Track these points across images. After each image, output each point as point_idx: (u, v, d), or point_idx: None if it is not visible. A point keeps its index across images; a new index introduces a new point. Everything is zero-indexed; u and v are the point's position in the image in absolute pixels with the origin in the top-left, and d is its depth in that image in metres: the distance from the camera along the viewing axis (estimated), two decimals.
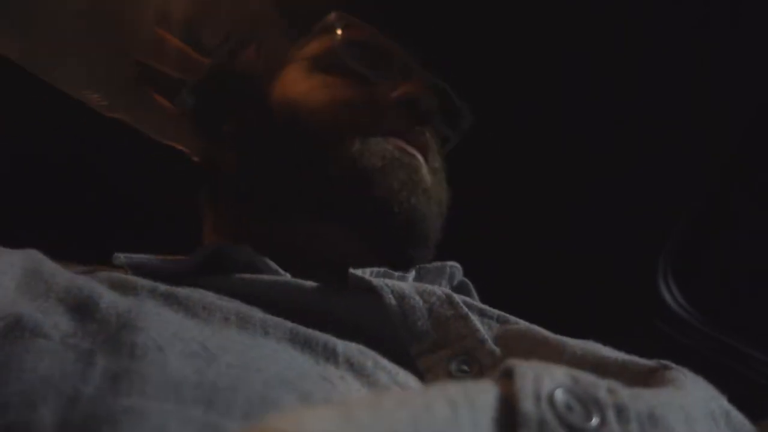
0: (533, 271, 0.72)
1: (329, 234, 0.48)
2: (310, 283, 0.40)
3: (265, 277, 0.41)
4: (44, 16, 0.41)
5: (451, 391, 0.21)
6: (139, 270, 0.42)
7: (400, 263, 0.48)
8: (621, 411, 0.22)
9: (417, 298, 0.36)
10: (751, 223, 0.68)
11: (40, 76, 0.43)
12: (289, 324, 0.33)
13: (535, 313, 0.41)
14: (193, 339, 0.29)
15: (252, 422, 0.24)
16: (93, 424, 0.23)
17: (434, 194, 0.51)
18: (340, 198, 0.48)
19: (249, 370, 0.27)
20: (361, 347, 0.33)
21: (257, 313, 0.34)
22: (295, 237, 0.48)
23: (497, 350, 0.33)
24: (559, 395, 0.22)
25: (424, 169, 0.50)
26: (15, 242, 0.39)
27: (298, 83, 0.52)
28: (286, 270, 0.43)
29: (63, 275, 0.34)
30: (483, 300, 0.44)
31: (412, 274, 0.49)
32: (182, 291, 0.36)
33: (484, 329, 0.35)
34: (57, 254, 0.40)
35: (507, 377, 0.23)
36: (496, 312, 0.37)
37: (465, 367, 0.32)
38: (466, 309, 0.36)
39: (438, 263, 0.52)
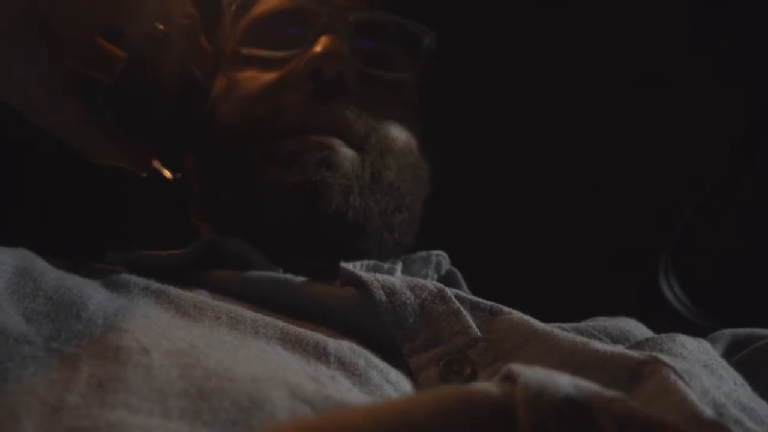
0: (535, 267, 0.72)
1: (280, 248, 0.46)
2: (300, 279, 0.40)
3: (255, 273, 0.41)
4: None
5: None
6: (133, 267, 0.42)
7: (349, 256, 0.43)
8: (623, 425, 0.22)
9: (408, 293, 0.36)
10: (752, 221, 0.68)
11: None
12: (280, 323, 0.33)
13: (536, 310, 0.41)
14: (182, 339, 0.29)
15: (240, 428, 0.24)
16: None
17: (364, 177, 0.46)
18: (260, 217, 0.45)
19: (237, 368, 0.27)
20: (353, 345, 0.32)
21: (248, 313, 0.34)
22: (264, 242, 0.46)
23: (490, 348, 0.33)
24: (562, 405, 0.22)
25: (339, 154, 0.45)
26: (11, 240, 0.39)
27: (217, 85, 0.50)
28: (280, 263, 0.43)
29: (52, 274, 0.34)
30: (483, 293, 0.43)
31: (399, 265, 0.47)
32: (174, 289, 0.36)
33: (477, 323, 0.34)
34: (52, 251, 0.40)
35: (508, 381, 0.23)
36: (489, 304, 0.36)
37: (457, 368, 0.32)
38: (458, 304, 0.35)
39: (423, 252, 0.51)
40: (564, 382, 0.22)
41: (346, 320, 0.36)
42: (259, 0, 0.51)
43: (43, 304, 0.31)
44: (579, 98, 0.66)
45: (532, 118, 0.69)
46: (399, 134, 0.50)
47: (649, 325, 0.47)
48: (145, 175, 0.48)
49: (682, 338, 0.34)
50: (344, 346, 0.32)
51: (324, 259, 0.44)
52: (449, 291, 0.36)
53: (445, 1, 0.62)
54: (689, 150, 0.66)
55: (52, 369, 0.26)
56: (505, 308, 0.36)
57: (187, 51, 0.47)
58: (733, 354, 0.40)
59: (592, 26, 0.63)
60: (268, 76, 0.48)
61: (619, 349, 0.30)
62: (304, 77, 0.46)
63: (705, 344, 0.35)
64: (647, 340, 0.34)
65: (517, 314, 0.35)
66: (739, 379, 0.32)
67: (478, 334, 0.33)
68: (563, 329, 0.34)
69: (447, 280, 0.52)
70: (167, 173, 0.48)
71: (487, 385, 0.22)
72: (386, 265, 0.46)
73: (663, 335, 0.35)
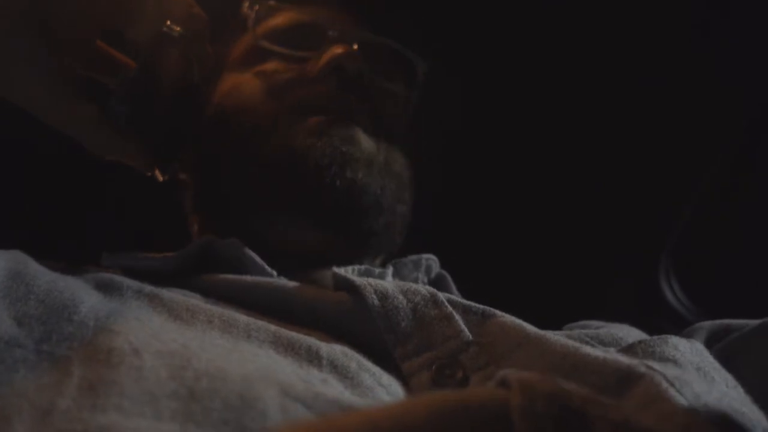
0: (535, 268, 0.72)
1: (286, 227, 0.48)
2: (293, 284, 0.40)
3: (249, 278, 0.41)
4: None
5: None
6: (127, 269, 0.42)
7: (357, 238, 0.48)
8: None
9: (400, 297, 0.35)
10: (752, 221, 0.68)
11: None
12: (272, 327, 0.33)
13: (536, 310, 0.41)
14: (173, 340, 0.29)
15: (231, 428, 0.24)
16: None
17: (379, 160, 0.50)
18: (277, 187, 0.47)
19: (228, 368, 0.27)
20: (346, 349, 0.32)
21: (241, 316, 0.34)
22: (264, 236, 0.48)
23: (482, 353, 0.32)
24: (557, 411, 0.21)
25: (361, 135, 0.49)
26: (11, 241, 0.38)
27: (226, 85, 0.52)
28: (274, 266, 0.43)
29: (45, 277, 0.34)
30: (483, 294, 0.43)
31: (390, 269, 0.48)
32: (167, 293, 0.36)
33: (469, 327, 0.34)
34: (48, 252, 0.40)
35: (503, 387, 0.22)
36: (480, 307, 0.36)
37: (449, 372, 0.31)
38: (450, 308, 0.35)
39: (414, 256, 0.52)
40: (556, 388, 0.22)
41: (339, 324, 0.36)
42: (277, 12, 0.54)
43: (35, 307, 0.31)
44: (579, 98, 0.66)
45: (532, 119, 0.69)
46: (400, 136, 0.54)
47: (649, 325, 0.47)
48: (149, 174, 0.49)
49: (674, 340, 0.34)
50: (337, 350, 0.32)
51: (336, 239, 0.47)
52: (441, 295, 0.36)
53: (444, 3, 0.62)
54: (689, 150, 0.66)
55: (44, 372, 0.26)
56: (498, 311, 0.36)
57: (196, 52, 0.47)
58: (710, 347, 0.40)
59: (592, 26, 0.63)
60: (290, 71, 0.51)
61: (611, 353, 0.30)
62: (326, 73, 0.49)
63: (698, 345, 0.35)
64: (640, 342, 0.34)
65: (509, 317, 0.35)
66: (731, 381, 0.32)
67: (470, 338, 0.33)
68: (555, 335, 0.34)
69: (437, 283, 0.52)
70: (159, 175, 0.48)
71: (482, 391, 0.22)
72: (377, 270, 0.46)
73: (655, 337, 0.34)
